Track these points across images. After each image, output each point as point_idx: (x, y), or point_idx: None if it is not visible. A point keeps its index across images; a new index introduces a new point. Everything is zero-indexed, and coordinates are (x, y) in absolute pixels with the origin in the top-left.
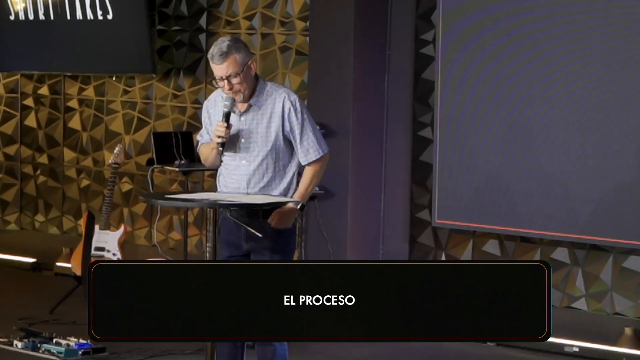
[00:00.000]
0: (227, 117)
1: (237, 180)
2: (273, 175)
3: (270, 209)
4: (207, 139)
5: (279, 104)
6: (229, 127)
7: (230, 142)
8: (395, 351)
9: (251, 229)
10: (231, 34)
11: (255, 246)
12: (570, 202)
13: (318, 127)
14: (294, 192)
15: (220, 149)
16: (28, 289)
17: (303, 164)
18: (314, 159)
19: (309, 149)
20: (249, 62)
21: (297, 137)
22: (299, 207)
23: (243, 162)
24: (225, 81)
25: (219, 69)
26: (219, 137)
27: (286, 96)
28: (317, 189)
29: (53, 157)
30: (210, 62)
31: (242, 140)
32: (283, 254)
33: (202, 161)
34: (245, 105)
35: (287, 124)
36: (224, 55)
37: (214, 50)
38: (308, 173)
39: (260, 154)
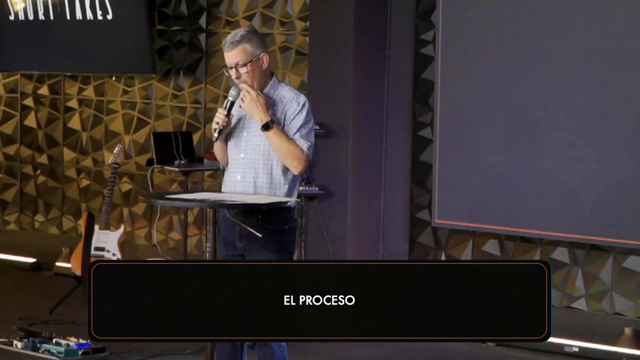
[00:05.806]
0: (230, 106)
1: (233, 173)
2: (270, 174)
3: (267, 208)
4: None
5: (286, 103)
6: (228, 115)
7: (235, 135)
8: (395, 351)
9: (251, 229)
10: None
11: (249, 245)
12: (570, 202)
13: (317, 127)
14: (294, 193)
15: (216, 135)
16: (28, 289)
17: None
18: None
19: (299, 142)
20: (261, 55)
21: (295, 128)
22: (264, 124)
23: (241, 155)
24: (233, 69)
25: (228, 56)
26: (216, 123)
27: (295, 97)
28: (316, 188)
29: (53, 157)
30: (223, 49)
31: (245, 133)
32: (277, 253)
33: (219, 160)
34: None
35: (289, 118)
36: (235, 43)
37: (228, 38)
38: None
39: (258, 149)
